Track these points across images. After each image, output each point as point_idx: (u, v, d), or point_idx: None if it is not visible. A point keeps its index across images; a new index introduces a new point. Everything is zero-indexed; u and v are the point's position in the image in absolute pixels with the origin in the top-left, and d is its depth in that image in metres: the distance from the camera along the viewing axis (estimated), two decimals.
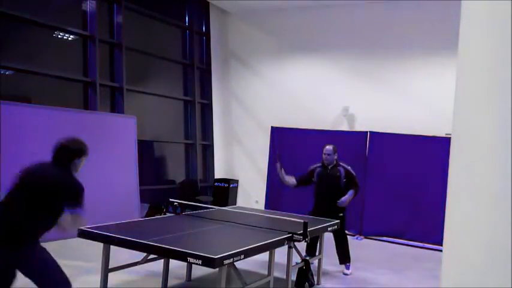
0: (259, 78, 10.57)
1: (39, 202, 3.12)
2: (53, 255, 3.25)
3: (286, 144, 9.51)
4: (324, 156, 5.93)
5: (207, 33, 10.74)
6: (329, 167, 5.91)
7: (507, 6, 1.35)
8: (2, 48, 6.84)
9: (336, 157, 5.91)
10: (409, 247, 7.92)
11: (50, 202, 3.14)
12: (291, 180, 6.04)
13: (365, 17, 9.33)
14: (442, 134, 7.71)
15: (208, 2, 10.51)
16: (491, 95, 1.42)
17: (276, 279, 4.52)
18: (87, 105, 8.08)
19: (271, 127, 9.85)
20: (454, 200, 1.59)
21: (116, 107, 8.64)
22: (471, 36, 1.49)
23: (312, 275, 5.10)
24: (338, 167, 5.87)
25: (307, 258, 5.16)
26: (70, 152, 3.26)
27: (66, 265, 3.38)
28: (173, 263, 4.67)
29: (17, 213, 3.10)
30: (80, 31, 8.05)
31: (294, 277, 4.92)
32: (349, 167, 5.91)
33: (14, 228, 3.08)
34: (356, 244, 7.47)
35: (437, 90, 8.42)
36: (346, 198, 5.68)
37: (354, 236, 8.32)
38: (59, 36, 7.98)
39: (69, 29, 7.88)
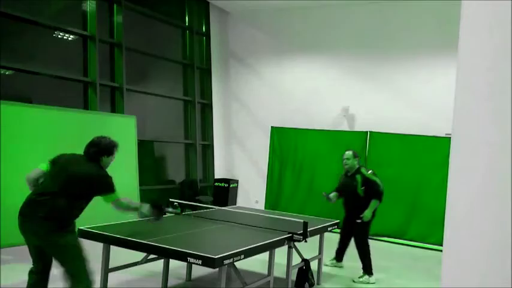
0: (259, 79, 10.62)
1: (73, 191, 3.41)
2: None
3: (286, 144, 9.59)
4: (343, 161, 5.77)
5: (207, 34, 10.75)
6: (348, 174, 5.75)
7: (507, 6, 1.36)
8: (2, 48, 6.84)
9: (357, 162, 5.70)
10: (408, 247, 7.97)
11: (82, 192, 3.45)
12: (334, 197, 5.88)
13: (364, 17, 9.39)
14: (442, 134, 7.71)
15: (208, 2, 10.51)
16: (491, 95, 1.43)
17: (276, 279, 4.50)
18: (87, 105, 8.08)
19: (271, 127, 9.88)
20: (454, 200, 1.57)
21: (116, 107, 8.64)
22: (471, 37, 1.50)
23: (312, 275, 5.05)
24: (356, 174, 5.61)
25: (336, 262, 5.91)
26: (100, 150, 3.61)
27: None
28: (173, 262, 4.65)
29: (52, 201, 3.33)
30: (80, 31, 8.05)
31: (294, 277, 4.89)
32: (370, 172, 5.63)
33: (49, 215, 3.29)
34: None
35: (438, 90, 8.41)
36: (367, 212, 5.46)
37: None
38: (59, 36, 7.98)
39: (69, 29, 7.89)
